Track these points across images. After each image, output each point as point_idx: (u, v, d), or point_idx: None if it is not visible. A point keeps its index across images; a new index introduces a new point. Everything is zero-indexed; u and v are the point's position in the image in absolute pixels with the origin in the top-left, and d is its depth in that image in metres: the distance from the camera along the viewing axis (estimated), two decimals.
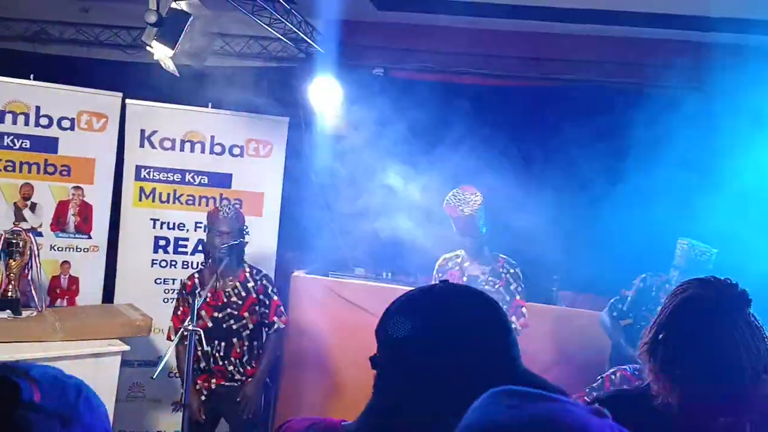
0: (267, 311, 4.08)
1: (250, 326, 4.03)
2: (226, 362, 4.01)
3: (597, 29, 5.26)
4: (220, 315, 3.97)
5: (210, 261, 4.02)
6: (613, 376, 3.36)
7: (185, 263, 5.16)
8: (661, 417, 1.71)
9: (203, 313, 3.93)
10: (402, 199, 5.07)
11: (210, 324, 3.93)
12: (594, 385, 3.41)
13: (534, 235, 4.74)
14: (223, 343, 3.98)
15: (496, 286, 3.84)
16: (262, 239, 5.10)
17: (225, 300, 3.98)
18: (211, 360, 4.00)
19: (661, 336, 1.71)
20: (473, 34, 5.53)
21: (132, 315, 4.37)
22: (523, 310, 3.87)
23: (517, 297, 3.86)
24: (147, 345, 4.85)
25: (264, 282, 4.10)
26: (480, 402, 0.76)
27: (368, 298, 5.11)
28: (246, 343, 4.04)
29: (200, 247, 5.20)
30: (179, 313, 4.10)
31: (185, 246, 5.18)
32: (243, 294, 4.03)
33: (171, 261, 5.14)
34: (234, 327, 3.99)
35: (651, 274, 4.14)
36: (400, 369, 1.12)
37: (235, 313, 3.99)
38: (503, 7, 5.06)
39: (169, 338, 4.18)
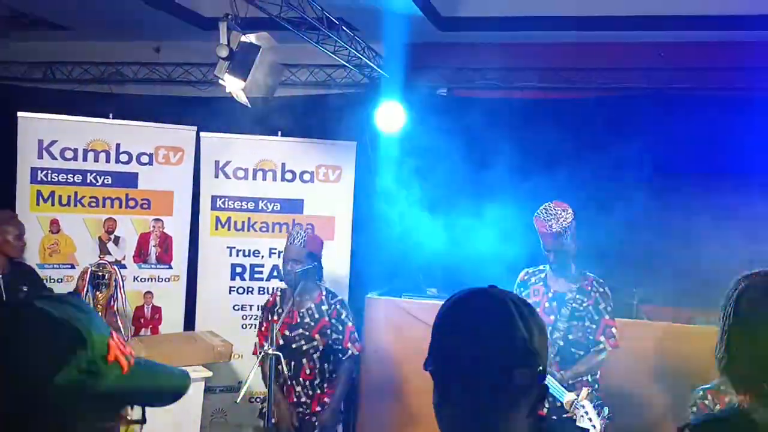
0: (341, 337, 4.08)
1: (321, 348, 4.04)
2: (294, 382, 4.03)
3: (662, 35, 5.15)
4: (291, 334, 4.01)
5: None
6: (706, 401, 3.25)
7: (261, 289, 5.26)
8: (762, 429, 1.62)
9: (275, 325, 3.97)
10: (472, 218, 5.05)
11: (281, 341, 3.96)
12: (690, 415, 3.28)
13: (612, 248, 4.64)
14: (292, 362, 4.00)
15: (584, 305, 3.74)
16: (334, 262, 5.14)
17: (299, 320, 4.03)
18: (281, 378, 4.03)
19: (729, 349, 1.60)
20: (536, 49, 5.50)
21: (213, 341, 4.48)
22: (613, 330, 3.76)
23: (606, 317, 3.75)
24: (228, 371, 4.95)
25: (338, 307, 4.11)
26: None
27: None
28: (317, 366, 4.05)
29: (275, 273, 5.29)
30: (263, 329, 4.15)
31: (261, 272, 5.28)
32: (316, 316, 4.06)
33: (248, 287, 5.25)
34: (304, 348, 4.02)
35: None
36: None
37: (307, 333, 4.02)
38: (565, 20, 5.02)
39: (255, 353, 4.23)
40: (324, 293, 4.13)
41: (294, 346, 4.01)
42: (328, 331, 4.06)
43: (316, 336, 4.03)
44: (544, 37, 5.37)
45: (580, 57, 5.43)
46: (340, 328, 4.09)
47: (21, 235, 4.24)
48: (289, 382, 4.02)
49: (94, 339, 0.96)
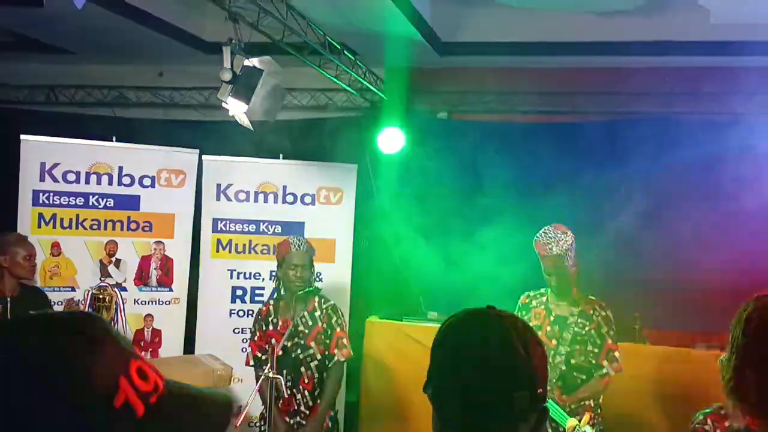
0: (329, 342, 4.01)
1: (318, 357, 3.99)
2: (294, 390, 3.98)
3: (662, 61, 5.20)
4: (289, 344, 3.95)
5: (284, 292, 4.03)
6: (706, 426, 3.22)
7: None
8: None
9: (273, 341, 3.92)
10: (473, 240, 5.06)
11: (281, 352, 3.89)
12: None
13: (614, 271, 4.64)
14: (292, 372, 3.95)
15: (586, 329, 3.73)
16: (335, 285, 5.14)
17: (294, 329, 3.97)
18: (282, 388, 3.94)
19: (741, 370, 1.59)
20: (535, 74, 5.55)
21: (213, 365, 4.45)
22: (616, 354, 3.73)
23: (609, 341, 3.73)
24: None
25: (329, 311, 4.04)
26: None
27: None
28: (315, 375, 3.99)
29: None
30: (256, 339, 4.11)
31: (261, 295, 5.27)
32: (310, 323, 4.00)
33: (248, 310, 5.24)
34: (301, 356, 3.96)
35: None
36: None
37: (302, 342, 3.97)
38: (564, 45, 5.08)
39: (247, 363, 4.20)
40: (317, 300, 4.07)
41: (293, 355, 3.96)
42: (322, 337, 4.00)
43: (312, 344, 3.97)
44: (543, 62, 5.42)
45: (580, 81, 5.48)
46: (329, 332, 4.01)
47: (31, 257, 4.19)
48: (288, 392, 3.96)
49: (94, 380, 0.81)
